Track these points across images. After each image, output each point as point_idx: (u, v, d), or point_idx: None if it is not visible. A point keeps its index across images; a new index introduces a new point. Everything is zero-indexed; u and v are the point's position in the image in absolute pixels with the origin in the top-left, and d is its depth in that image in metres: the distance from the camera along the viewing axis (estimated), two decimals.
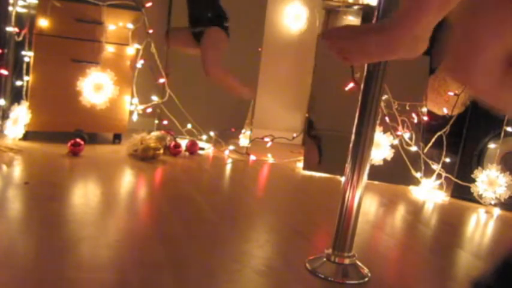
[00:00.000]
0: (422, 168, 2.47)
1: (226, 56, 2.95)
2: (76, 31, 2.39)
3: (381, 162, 2.52)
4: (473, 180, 2.35)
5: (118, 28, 2.48)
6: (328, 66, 2.65)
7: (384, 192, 2.38)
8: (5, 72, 2.37)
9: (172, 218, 1.61)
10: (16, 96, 2.38)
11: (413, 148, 2.48)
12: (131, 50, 2.55)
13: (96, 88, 2.46)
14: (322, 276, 1.30)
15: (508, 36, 0.63)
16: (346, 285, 1.30)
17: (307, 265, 1.34)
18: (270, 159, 2.75)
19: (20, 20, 2.38)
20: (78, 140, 2.24)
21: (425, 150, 2.50)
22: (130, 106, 2.65)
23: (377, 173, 2.46)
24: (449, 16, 0.91)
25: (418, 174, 2.47)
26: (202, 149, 2.76)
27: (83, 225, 1.44)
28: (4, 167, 1.92)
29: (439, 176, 2.44)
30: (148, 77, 2.75)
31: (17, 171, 1.92)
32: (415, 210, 2.19)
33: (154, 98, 2.79)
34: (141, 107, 2.76)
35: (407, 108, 2.51)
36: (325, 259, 1.35)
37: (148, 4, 2.61)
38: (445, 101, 2.59)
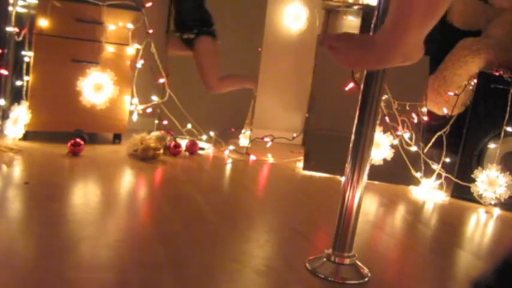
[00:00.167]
0: (422, 168, 2.47)
1: (226, 56, 2.96)
2: (76, 31, 2.39)
3: (381, 162, 2.52)
4: (473, 180, 2.35)
5: (118, 28, 2.48)
6: (328, 66, 2.65)
7: (384, 192, 2.38)
8: (5, 72, 2.37)
9: (172, 218, 1.61)
10: (16, 96, 2.38)
11: (413, 148, 2.48)
12: (131, 50, 2.55)
13: (96, 88, 2.46)
14: (322, 276, 1.30)
15: None
16: (346, 285, 1.30)
17: (307, 265, 1.34)
18: (270, 159, 2.75)
19: (20, 20, 2.38)
20: (78, 140, 2.24)
21: (425, 150, 2.50)
22: (131, 106, 2.65)
23: (377, 173, 2.46)
24: None
25: (418, 174, 2.47)
26: (202, 149, 2.76)
27: (83, 225, 1.44)
28: (4, 167, 1.92)
29: (439, 176, 2.44)
30: (148, 77, 2.75)
31: (17, 171, 1.92)
32: (415, 210, 2.19)
33: (154, 98, 2.78)
34: (141, 107, 2.76)
35: (407, 108, 2.51)
36: (325, 259, 1.35)
37: (148, 4, 2.61)
38: (445, 101, 2.59)
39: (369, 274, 1.34)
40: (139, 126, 2.67)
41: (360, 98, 1.29)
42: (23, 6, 2.44)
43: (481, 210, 2.28)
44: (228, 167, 2.55)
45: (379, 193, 2.34)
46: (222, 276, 1.24)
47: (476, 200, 2.34)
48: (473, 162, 2.37)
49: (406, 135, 2.49)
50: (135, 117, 2.73)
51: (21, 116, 2.32)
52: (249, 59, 3.05)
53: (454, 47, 2.65)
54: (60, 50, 2.38)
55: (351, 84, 2.43)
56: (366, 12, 3.10)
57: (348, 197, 1.31)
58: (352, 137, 1.30)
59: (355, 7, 3.26)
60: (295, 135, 3.18)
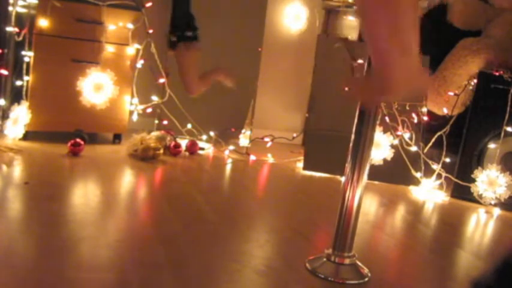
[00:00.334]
0: (422, 168, 2.47)
1: (226, 56, 2.96)
2: (76, 31, 2.39)
3: (381, 162, 2.52)
4: (473, 180, 2.35)
5: (118, 28, 2.48)
6: (328, 66, 2.65)
7: (384, 192, 2.38)
8: (5, 72, 2.37)
9: (172, 218, 1.61)
10: (16, 96, 2.38)
11: (413, 148, 2.48)
12: (131, 50, 2.55)
13: (96, 88, 2.46)
14: (322, 276, 1.30)
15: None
16: (346, 285, 1.30)
17: (307, 265, 1.34)
18: (270, 159, 2.75)
19: (20, 20, 2.38)
20: (78, 140, 2.24)
21: (425, 150, 2.50)
22: (131, 106, 2.65)
23: (377, 173, 2.46)
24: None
25: (418, 174, 2.47)
26: (202, 149, 2.76)
27: (83, 225, 1.44)
28: (4, 167, 1.92)
29: (439, 176, 2.44)
30: (148, 77, 2.75)
31: (17, 171, 1.92)
32: (415, 210, 2.19)
33: (154, 98, 2.78)
34: (141, 107, 2.76)
35: (407, 108, 2.51)
36: (325, 259, 1.35)
37: (148, 4, 2.61)
38: (445, 101, 2.59)
39: (369, 274, 1.34)
40: (139, 126, 2.67)
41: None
42: (23, 6, 2.44)
43: (481, 210, 2.28)
44: (228, 167, 2.55)
45: (379, 193, 2.34)
46: (222, 276, 1.24)
47: (476, 200, 2.34)
48: (473, 162, 2.37)
49: (406, 135, 2.49)
50: (135, 117, 2.73)
51: (21, 116, 2.32)
52: (249, 59, 3.05)
53: (454, 47, 2.65)
54: (60, 50, 2.38)
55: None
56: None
57: (348, 197, 1.31)
58: (352, 137, 1.30)
59: (355, 7, 3.26)
60: (295, 135, 3.18)
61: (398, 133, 2.49)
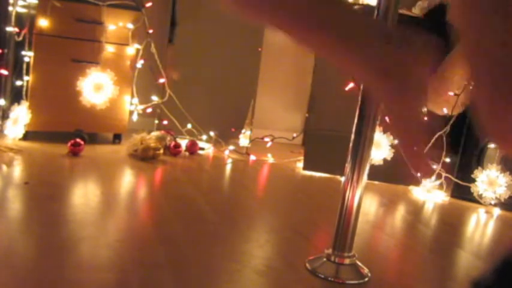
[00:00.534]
0: None
1: (227, 56, 2.96)
2: (76, 31, 2.39)
3: (381, 162, 2.52)
4: (473, 180, 2.35)
5: (118, 28, 2.48)
6: (328, 66, 2.65)
7: (384, 192, 2.38)
8: (5, 72, 2.37)
9: (172, 218, 1.61)
10: (16, 96, 2.38)
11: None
12: (131, 50, 2.55)
13: (96, 88, 2.46)
14: (322, 276, 1.30)
15: None
16: (346, 285, 1.30)
17: (307, 265, 1.34)
18: (270, 159, 2.75)
19: (20, 20, 2.38)
20: (78, 140, 2.24)
21: (425, 150, 2.50)
22: (131, 106, 2.65)
23: (377, 173, 2.46)
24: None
25: (418, 174, 2.47)
26: (202, 149, 2.76)
27: (83, 225, 1.44)
28: (4, 167, 1.92)
29: (439, 176, 2.44)
30: (148, 77, 2.75)
31: (17, 171, 1.91)
32: (415, 210, 2.19)
33: (154, 98, 2.78)
34: (141, 107, 2.76)
35: None
36: (325, 259, 1.35)
37: (148, 4, 2.61)
38: (445, 101, 2.59)
39: (369, 274, 1.34)
40: (139, 126, 2.67)
41: (359, 98, 1.29)
42: (23, 6, 2.44)
43: (481, 210, 2.28)
44: (228, 167, 2.55)
45: (379, 193, 2.34)
46: (222, 276, 1.24)
47: (476, 200, 2.34)
48: (473, 162, 2.37)
49: None
50: (135, 117, 2.73)
51: (21, 116, 2.32)
52: (249, 59, 3.05)
53: (454, 47, 2.65)
54: (60, 50, 2.38)
55: (351, 84, 2.43)
56: (366, 12, 3.10)
57: (348, 197, 1.31)
58: (352, 137, 1.30)
59: (355, 7, 3.26)
60: (295, 135, 3.18)
61: None
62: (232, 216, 1.75)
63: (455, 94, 2.53)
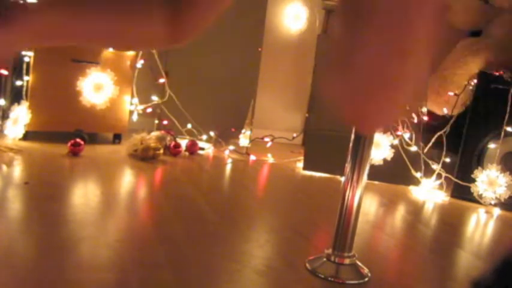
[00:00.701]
0: (422, 168, 2.47)
1: (227, 56, 2.96)
2: None
3: (381, 162, 2.52)
4: (473, 180, 2.35)
5: None
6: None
7: (384, 192, 2.38)
8: (5, 72, 2.37)
9: (172, 218, 1.61)
10: (16, 96, 2.38)
11: (413, 148, 2.48)
12: None
13: (96, 88, 2.46)
14: (322, 276, 1.30)
15: None
16: (346, 285, 1.30)
17: (307, 265, 1.34)
18: (270, 159, 2.75)
19: None
20: (78, 140, 2.24)
21: (425, 150, 2.50)
22: (131, 106, 2.65)
23: (377, 173, 2.46)
24: None
25: (418, 174, 2.47)
26: (202, 149, 2.76)
27: (83, 225, 1.44)
28: (4, 167, 1.92)
29: (439, 176, 2.44)
30: (148, 77, 2.75)
31: (17, 171, 1.91)
32: (415, 210, 2.19)
33: (154, 98, 2.78)
34: (141, 107, 2.76)
35: (408, 108, 2.51)
36: (325, 259, 1.35)
37: None
38: (445, 101, 2.59)
39: (369, 274, 1.34)
40: (139, 126, 2.67)
41: None
42: None
43: (481, 210, 2.28)
44: (228, 167, 2.55)
45: (379, 193, 2.34)
46: (222, 276, 1.24)
47: (476, 200, 2.34)
48: (473, 162, 2.37)
49: (406, 135, 2.49)
50: (135, 117, 2.73)
51: (21, 116, 2.32)
52: (249, 59, 3.05)
53: (454, 47, 2.65)
54: (60, 50, 2.38)
55: None
56: None
57: (348, 197, 1.31)
58: (352, 137, 1.30)
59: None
60: (295, 135, 3.18)
61: (398, 133, 2.49)
62: (232, 216, 1.75)
63: (455, 94, 2.53)
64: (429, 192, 2.41)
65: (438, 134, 2.48)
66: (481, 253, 1.74)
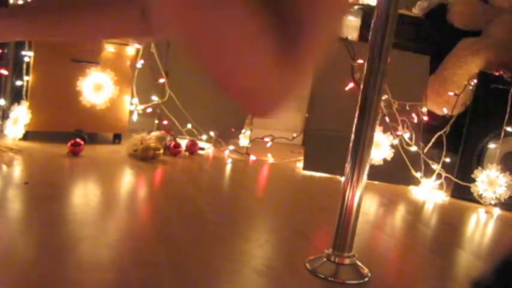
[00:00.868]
0: (422, 168, 2.47)
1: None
2: None
3: (381, 162, 2.52)
4: (473, 180, 2.35)
5: None
6: (328, 66, 2.65)
7: (384, 192, 2.38)
8: (5, 72, 2.37)
9: (172, 218, 1.61)
10: (16, 96, 2.38)
11: (413, 148, 2.48)
12: (131, 50, 2.55)
13: (96, 88, 2.46)
14: (322, 276, 1.30)
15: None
16: (346, 285, 1.30)
17: (307, 265, 1.34)
18: (270, 159, 2.75)
19: None
20: (78, 140, 2.24)
21: (425, 150, 2.50)
22: (131, 106, 2.65)
23: (377, 173, 2.46)
24: None
25: (418, 174, 2.47)
26: (202, 149, 2.76)
27: (83, 225, 1.44)
28: (4, 167, 1.92)
29: (439, 176, 2.44)
30: (148, 77, 2.75)
31: (17, 171, 1.91)
32: (415, 210, 2.19)
33: (154, 98, 2.78)
34: (141, 107, 2.76)
35: (408, 108, 2.51)
36: (325, 259, 1.35)
37: None
38: (445, 101, 2.60)
39: (369, 274, 1.34)
40: (139, 126, 2.67)
41: (359, 98, 1.29)
42: None
43: (481, 210, 2.28)
44: (228, 167, 2.55)
45: (379, 193, 2.34)
46: (222, 276, 1.24)
47: (476, 200, 2.34)
48: (473, 162, 2.37)
49: (406, 135, 2.49)
50: (135, 117, 2.73)
51: (21, 116, 2.32)
52: None
53: (454, 47, 2.65)
54: (60, 50, 2.38)
55: (351, 84, 2.43)
56: (366, 12, 3.10)
57: (348, 197, 1.31)
58: (352, 137, 1.30)
59: (355, 7, 3.26)
60: (295, 135, 3.18)
61: (398, 133, 2.49)
62: (232, 216, 1.75)
63: (455, 94, 2.53)
64: (429, 192, 2.41)
65: (438, 134, 2.48)
66: (481, 253, 1.74)
